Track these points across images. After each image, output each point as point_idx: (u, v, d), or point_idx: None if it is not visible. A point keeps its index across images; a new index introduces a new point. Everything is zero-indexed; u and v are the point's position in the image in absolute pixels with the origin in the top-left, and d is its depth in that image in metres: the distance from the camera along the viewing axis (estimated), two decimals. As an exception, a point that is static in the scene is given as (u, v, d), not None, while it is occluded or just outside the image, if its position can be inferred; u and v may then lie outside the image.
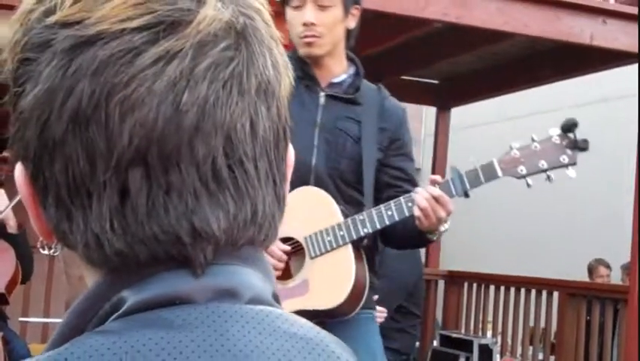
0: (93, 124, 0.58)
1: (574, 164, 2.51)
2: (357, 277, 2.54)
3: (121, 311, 0.59)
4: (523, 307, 6.17)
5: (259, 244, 0.63)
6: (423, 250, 6.17)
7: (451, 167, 2.58)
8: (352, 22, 2.65)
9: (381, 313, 4.03)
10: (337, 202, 2.57)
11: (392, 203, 2.51)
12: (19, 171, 0.63)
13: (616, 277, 7.68)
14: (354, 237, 2.52)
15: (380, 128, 2.65)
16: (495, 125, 9.45)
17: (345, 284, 2.53)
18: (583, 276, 7.52)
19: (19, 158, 0.63)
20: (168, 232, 0.59)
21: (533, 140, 2.54)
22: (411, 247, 2.98)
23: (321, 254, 2.55)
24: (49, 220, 0.62)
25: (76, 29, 0.59)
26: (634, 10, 5.07)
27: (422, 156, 10.61)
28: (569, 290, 5.89)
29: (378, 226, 2.51)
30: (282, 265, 2.53)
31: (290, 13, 2.59)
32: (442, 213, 2.44)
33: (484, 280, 6.69)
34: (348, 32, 2.65)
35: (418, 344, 5.68)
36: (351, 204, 2.60)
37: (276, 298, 0.64)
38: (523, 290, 6.22)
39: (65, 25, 0.59)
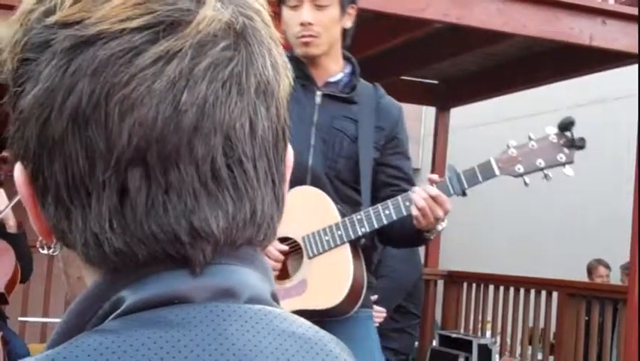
0: (93, 123, 0.58)
1: (571, 162, 2.52)
2: (355, 276, 2.55)
3: (120, 311, 0.59)
4: (522, 307, 6.17)
5: (258, 244, 0.63)
6: (422, 250, 6.17)
7: (449, 166, 2.58)
8: (349, 22, 2.65)
9: (380, 313, 4.04)
10: (334, 202, 2.57)
11: (390, 202, 2.52)
12: (18, 170, 0.63)
13: (615, 278, 7.68)
14: (352, 236, 2.53)
15: (376, 127, 2.65)
16: (494, 125, 9.45)
17: (343, 284, 2.53)
18: (582, 276, 7.53)
19: (19, 157, 0.63)
20: (167, 232, 0.59)
21: (530, 138, 2.54)
22: (408, 245, 2.99)
23: (319, 254, 2.55)
24: (49, 220, 0.62)
25: (76, 29, 0.59)
26: (634, 10, 5.06)
27: (421, 156, 10.61)
28: (569, 290, 5.89)
29: (376, 226, 2.52)
30: (278, 265, 2.54)
31: (287, 12, 2.60)
32: (440, 213, 2.45)
33: (484, 280, 6.69)
34: (345, 31, 2.66)
35: (417, 343, 5.68)
36: (348, 203, 2.61)
37: (275, 298, 0.64)
38: (522, 290, 6.22)
39: (65, 25, 0.60)
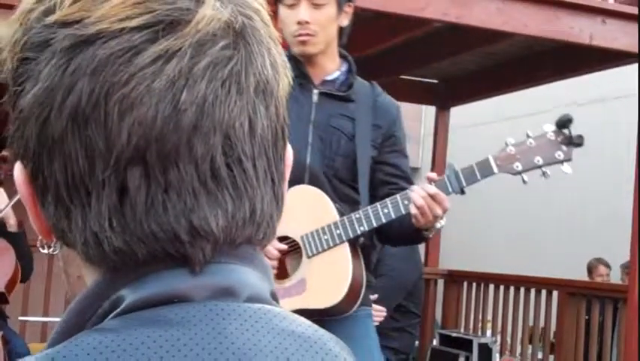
0: (92, 123, 0.58)
1: (569, 160, 2.53)
2: (355, 275, 2.55)
3: (119, 309, 0.59)
4: (522, 307, 6.17)
5: (257, 243, 0.63)
6: (422, 249, 6.17)
7: (448, 164, 2.58)
8: (345, 20, 2.65)
9: (380, 312, 4.04)
10: (333, 200, 2.57)
11: (388, 201, 2.52)
12: (18, 170, 0.63)
13: (615, 277, 7.68)
14: (351, 235, 2.53)
15: (374, 125, 2.65)
16: (493, 124, 9.45)
17: (343, 283, 2.53)
18: (582, 275, 7.53)
19: (19, 157, 0.63)
20: (167, 230, 0.59)
21: (528, 136, 2.55)
22: (407, 243, 2.99)
23: (318, 253, 2.55)
24: (49, 219, 0.62)
25: (75, 28, 0.59)
26: (634, 10, 5.07)
27: (421, 155, 10.62)
28: (569, 289, 5.89)
29: (375, 224, 2.52)
30: (275, 264, 2.54)
31: (284, 11, 2.60)
32: (439, 211, 2.45)
33: (484, 279, 6.69)
34: (341, 30, 2.66)
35: (417, 343, 5.68)
36: (346, 202, 2.61)
37: (275, 297, 0.64)
38: (522, 289, 6.22)
39: (65, 24, 0.60)
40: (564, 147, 2.52)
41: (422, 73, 7.30)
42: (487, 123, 9.62)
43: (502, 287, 6.41)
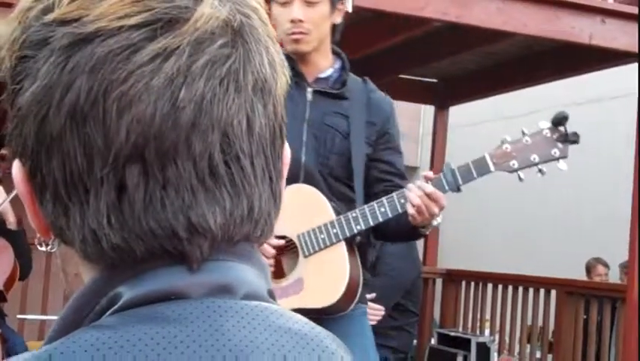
0: (91, 120, 0.58)
1: (565, 157, 2.53)
2: (352, 275, 2.55)
3: (117, 306, 0.59)
4: (520, 306, 6.17)
5: (255, 240, 0.64)
6: (421, 248, 6.17)
7: (445, 162, 2.59)
8: (338, 18, 2.65)
9: (378, 311, 4.04)
10: (328, 199, 2.57)
11: (385, 200, 2.52)
12: (16, 167, 0.63)
13: (614, 276, 7.69)
14: (348, 234, 2.53)
15: (368, 123, 2.65)
16: (492, 123, 9.45)
17: (340, 282, 2.53)
18: (579, 274, 7.53)
19: (17, 155, 0.63)
20: (165, 227, 0.59)
21: (524, 134, 2.55)
22: (404, 240, 3.00)
23: (315, 252, 2.55)
24: (47, 216, 0.62)
25: (74, 27, 0.59)
26: (633, 9, 5.07)
27: (420, 154, 10.62)
28: (567, 289, 5.89)
29: (372, 223, 2.52)
30: (272, 262, 2.53)
31: (276, 9, 2.59)
32: (436, 210, 2.45)
33: (482, 278, 6.69)
34: (334, 27, 2.66)
35: (415, 342, 5.68)
36: (342, 200, 2.61)
37: (272, 295, 0.64)
38: (521, 289, 6.22)
39: (63, 22, 0.60)
40: (560, 145, 2.52)
41: (422, 72, 7.29)
42: (485, 122, 9.63)
43: (500, 286, 6.41)
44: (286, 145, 0.66)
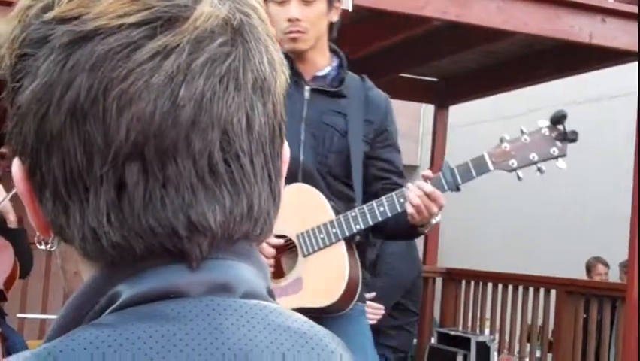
0: (91, 118, 0.58)
1: (564, 155, 2.53)
2: (351, 274, 2.55)
3: (116, 305, 0.59)
4: (520, 305, 6.18)
5: (254, 239, 0.64)
6: (421, 248, 6.17)
7: (444, 161, 2.59)
8: (335, 15, 2.65)
9: (378, 310, 4.04)
10: (327, 198, 2.57)
11: (384, 199, 2.52)
12: (16, 166, 0.63)
13: (614, 275, 7.69)
14: (347, 234, 2.53)
15: (365, 121, 2.65)
16: (492, 123, 9.44)
17: (340, 282, 2.53)
18: (581, 274, 7.53)
19: (17, 153, 0.63)
20: (165, 225, 0.59)
21: (523, 132, 2.55)
22: (402, 239, 3.01)
23: (314, 252, 2.55)
24: (46, 215, 0.62)
25: (74, 25, 0.59)
26: (633, 8, 5.06)
27: (420, 153, 10.62)
28: (567, 288, 5.89)
29: (371, 222, 2.52)
30: (272, 263, 2.53)
31: (273, 8, 2.58)
32: (435, 209, 2.45)
33: (482, 277, 6.69)
34: (331, 25, 2.66)
35: (415, 341, 5.68)
36: (340, 199, 2.60)
37: (271, 294, 0.64)
38: (520, 288, 6.22)
39: (63, 20, 0.60)
40: (559, 143, 2.52)
41: (422, 71, 7.29)
42: (485, 122, 9.62)
43: (500, 286, 6.41)
44: (285, 144, 0.66)
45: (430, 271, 6.85)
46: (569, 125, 2.53)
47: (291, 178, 2.51)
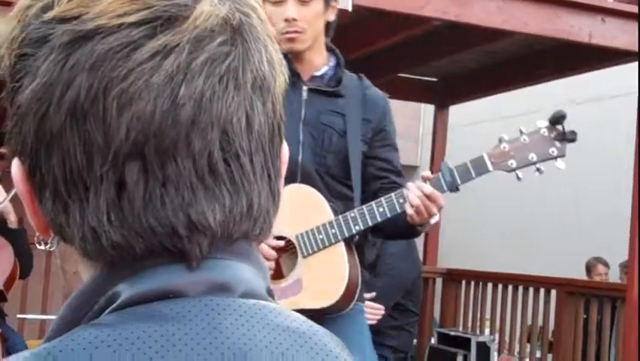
0: (91, 118, 0.58)
1: (563, 155, 2.53)
2: (351, 275, 2.54)
3: (115, 305, 0.59)
4: (521, 305, 6.17)
5: (253, 239, 0.64)
6: (421, 248, 6.17)
7: (442, 162, 2.59)
8: (332, 15, 2.65)
9: (378, 310, 4.04)
10: (326, 198, 2.56)
11: (383, 199, 2.52)
12: (16, 166, 0.63)
13: (614, 276, 7.68)
14: (347, 234, 2.52)
15: (364, 120, 2.64)
16: (492, 123, 9.44)
17: (340, 283, 2.53)
18: (581, 274, 7.53)
19: (16, 153, 0.63)
20: (165, 225, 0.59)
21: (522, 133, 2.55)
22: (401, 238, 3.00)
23: (314, 253, 2.54)
24: (46, 214, 0.62)
25: (74, 24, 0.60)
26: (633, 8, 5.07)
27: (420, 154, 10.61)
28: (567, 288, 5.89)
29: (370, 223, 2.52)
30: (272, 265, 2.52)
31: (270, 8, 2.57)
32: (434, 210, 2.46)
33: (482, 277, 6.69)
34: (328, 24, 2.65)
35: (415, 341, 5.68)
36: (339, 199, 2.60)
37: (270, 293, 0.64)
38: (521, 288, 6.22)
39: (63, 20, 0.60)
40: (558, 143, 2.52)
41: (421, 71, 7.29)
42: (485, 122, 9.62)
43: (500, 286, 6.41)
44: (284, 144, 0.66)
45: (430, 271, 6.85)
46: (568, 125, 2.53)
47: (290, 179, 2.51)
